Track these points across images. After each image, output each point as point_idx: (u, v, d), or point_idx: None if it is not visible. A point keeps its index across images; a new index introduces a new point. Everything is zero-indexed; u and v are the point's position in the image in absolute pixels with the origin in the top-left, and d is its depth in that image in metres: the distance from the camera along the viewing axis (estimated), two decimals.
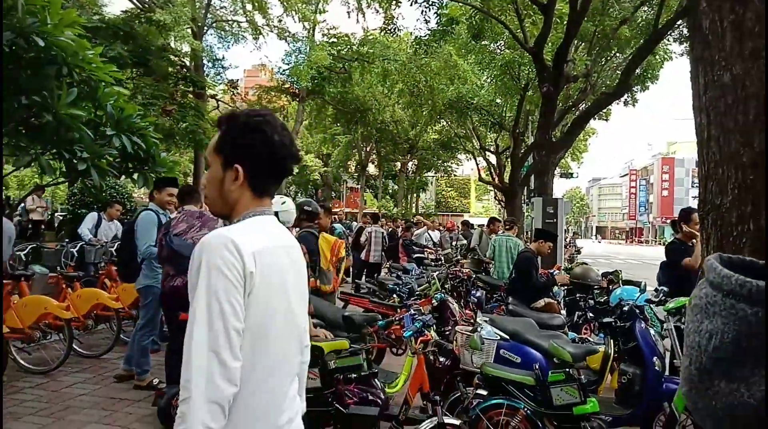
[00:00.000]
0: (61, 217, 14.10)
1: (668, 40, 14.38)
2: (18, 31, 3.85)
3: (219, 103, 21.18)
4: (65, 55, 4.23)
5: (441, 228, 15.46)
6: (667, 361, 4.01)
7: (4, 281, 5.55)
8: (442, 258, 11.83)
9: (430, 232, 13.51)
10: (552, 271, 7.20)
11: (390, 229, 13.11)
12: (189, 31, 15.71)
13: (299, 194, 39.61)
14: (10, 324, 5.16)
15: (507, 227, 9.15)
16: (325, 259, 4.89)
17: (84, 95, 4.64)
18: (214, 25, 19.60)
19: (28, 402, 4.56)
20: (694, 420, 3.27)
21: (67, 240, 9.42)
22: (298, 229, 4.96)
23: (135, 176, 5.29)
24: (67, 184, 7.97)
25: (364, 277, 12.08)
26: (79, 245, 8.05)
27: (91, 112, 4.80)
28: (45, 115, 4.16)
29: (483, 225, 11.92)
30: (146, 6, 14.89)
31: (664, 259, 5.14)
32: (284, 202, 3.63)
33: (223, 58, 27.75)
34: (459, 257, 10.84)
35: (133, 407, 4.53)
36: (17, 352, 5.43)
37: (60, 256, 8.08)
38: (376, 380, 3.56)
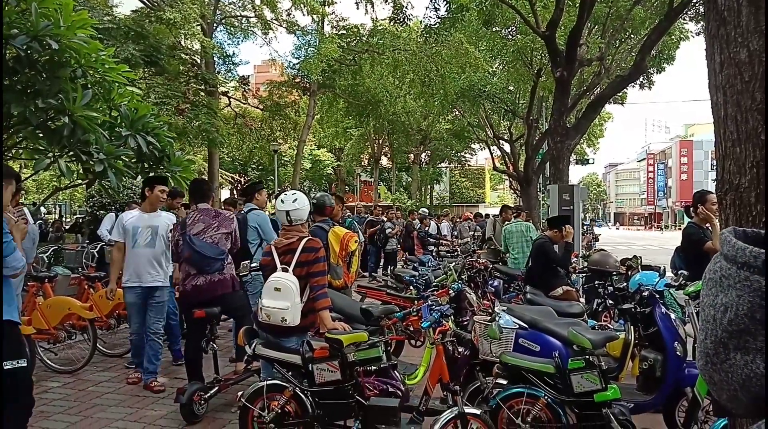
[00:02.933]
0: (80, 219, 14.35)
1: (684, 19, 14.12)
2: (32, 35, 3.91)
3: (231, 100, 21.31)
4: (79, 57, 4.29)
5: (458, 219, 15.44)
6: (689, 346, 3.97)
7: (30, 283, 5.68)
8: (458, 249, 11.82)
9: (438, 224, 13.54)
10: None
11: (405, 222, 13.13)
12: (199, 28, 15.80)
13: (313, 189, 39.76)
14: (37, 325, 5.29)
15: (514, 215, 9.13)
16: (333, 253, 4.90)
17: (98, 97, 4.70)
18: (223, 21, 19.67)
19: (56, 401, 4.68)
20: (712, 398, 3.24)
21: (87, 241, 9.59)
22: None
23: (151, 176, 5.36)
24: (84, 186, 8.11)
25: (380, 270, 12.14)
26: (99, 246, 8.18)
27: (105, 113, 4.87)
28: (61, 117, 4.23)
29: (497, 214, 11.88)
30: (155, 5, 15.00)
31: (680, 244, 5.07)
32: (296, 200, 3.60)
33: (234, 54, 27.87)
34: (475, 247, 10.82)
35: (158, 404, 4.62)
36: (44, 352, 5.56)
37: (81, 257, 8.24)
38: (395, 372, 3.59)
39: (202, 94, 16.69)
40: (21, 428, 2.95)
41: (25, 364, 2.92)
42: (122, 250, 5.00)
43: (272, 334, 3.47)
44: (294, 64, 22.08)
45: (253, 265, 5.21)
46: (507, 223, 9.02)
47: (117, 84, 4.79)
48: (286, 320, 3.32)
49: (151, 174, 5.27)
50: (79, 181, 5.92)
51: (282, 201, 3.60)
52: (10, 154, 5.73)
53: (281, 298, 3.34)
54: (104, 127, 4.70)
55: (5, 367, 2.76)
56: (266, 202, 6.21)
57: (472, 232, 12.74)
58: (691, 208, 4.91)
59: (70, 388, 5.00)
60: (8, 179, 3.02)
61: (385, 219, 13.60)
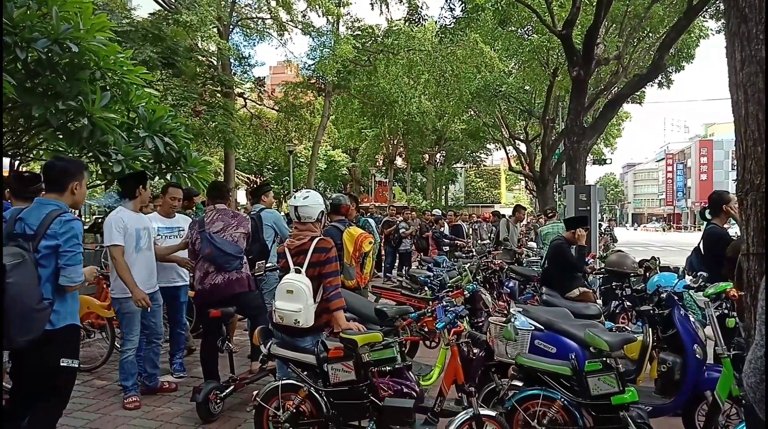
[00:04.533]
0: (99, 220, 14.57)
1: (704, 16, 13.91)
2: (53, 38, 3.98)
3: (246, 101, 21.47)
4: (98, 60, 4.36)
5: (473, 218, 15.36)
6: (710, 349, 3.90)
7: None
8: (473, 250, 11.77)
9: (450, 225, 13.48)
10: (587, 259, 7.09)
11: (420, 223, 13.10)
12: (215, 30, 15.95)
13: (328, 190, 39.90)
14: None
15: (549, 215, 9.06)
16: (347, 254, 4.90)
17: (117, 98, 4.77)
18: (239, 23, 19.84)
19: (75, 398, 4.74)
20: (743, 408, 3.19)
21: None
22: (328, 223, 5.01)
23: (168, 177, 5.42)
24: (103, 186, 8.22)
25: (395, 271, 12.13)
26: None
27: (123, 114, 4.94)
28: (81, 119, 4.30)
29: (510, 215, 11.84)
30: (173, 7, 15.17)
31: (697, 245, 4.98)
32: (306, 197, 3.61)
33: (249, 56, 28.14)
34: (491, 248, 10.77)
35: (174, 403, 4.67)
36: None
37: (99, 256, 8.35)
38: (410, 372, 3.58)
39: (219, 95, 16.84)
40: (53, 421, 3.05)
41: (77, 366, 3.07)
42: (124, 254, 4.43)
43: (287, 334, 3.49)
44: (309, 65, 22.21)
45: (268, 265, 5.24)
46: (519, 223, 8.98)
47: (135, 86, 4.86)
48: (299, 322, 3.33)
49: (168, 175, 5.33)
50: (98, 182, 5.98)
51: (294, 197, 3.62)
52: (31, 155, 5.85)
53: (294, 300, 3.34)
54: (122, 129, 4.77)
55: (62, 364, 2.93)
56: (272, 204, 6.22)
57: (490, 234, 12.69)
58: (707, 211, 4.82)
59: (89, 386, 5.07)
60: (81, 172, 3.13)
61: (400, 219, 13.58)
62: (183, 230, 5.18)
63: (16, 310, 2.66)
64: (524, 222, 14.15)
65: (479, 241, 13.06)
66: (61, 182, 3.03)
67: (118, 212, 4.51)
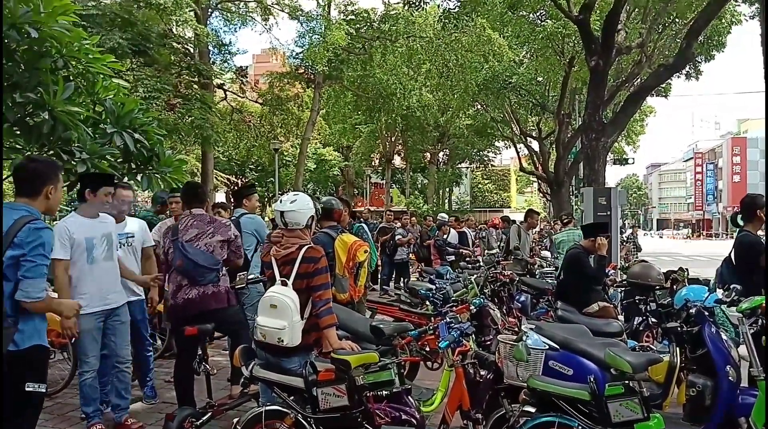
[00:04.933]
0: None
1: (736, 0, 14.01)
2: (10, 23, 3.98)
3: (227, 93, 21.49)
4: (60, 47, 4.35)
5: (485, 226, 15.37)
6: (744, 370, 3.91)
7: None
8: (480, 259, 11.78)
9: (458, 231, 13.47)
10: (607, 270, 7.10)
11: (420, 229, 13.12)
12: (192, 14, 15.99)
13: (318, 192, 39.89)
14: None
15: (565, 221, 9.07)
16: (339, 264, 4.89)
17: (81, 90, 4.77)
18: (219, 6, 19.89)
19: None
20: None
21: None
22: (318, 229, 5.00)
23: (139, 178, 5.41)
24: (66, 188, 8.19)
25: (392, 283, 12.12)
26: None
27: (89, 108, 4.93)
28: (40, 113, 4.28)
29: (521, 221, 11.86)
30: None
31: (728, 254, 4.99)
32: (294, 201, 3.57)
33: (230, 43, 28.22)
34: (500, 258, 10.79)
35: None
36: None
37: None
38: (409, 397, 3.58)
39: (196, 86, 16.85)
40: None
41: (44, 390, 3.07)
42: (68, 270, 4.27)
43: (271, 354, 3.48)
44: (297, 54, 22.25)
45: (250, 276, 5.23)
46: (532, 229, 8.99)
47: (102, 76, 4.85)
48: (283, 341, 3.30)
49: (139, 176, 5.31)
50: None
51: (280, 201, 3.60)
52: None
53: (278, 316, 3.33)
54: (87, 124, 4.76)
55: (27, 389, 2.93)
56: (256, 209, 6.22)
57: (499, 242, 12.72)
58: (740, 216, 4.84)
59: (48, 413, 5.03)
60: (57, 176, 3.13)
61: (398, 225, 13.57)
62: (132, 237, 5.05)
63: None
64: (537, 229, 14.17)
65: (487, 250, 13.08)
66: (34, 186, 3.04)
67: (66, 220, 4.42)
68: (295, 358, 3.47)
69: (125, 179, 5.31)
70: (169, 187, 5.70)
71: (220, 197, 33.36)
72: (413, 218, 14.18)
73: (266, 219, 13.32)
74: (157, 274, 5.00)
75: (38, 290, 2.92)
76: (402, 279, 11.92)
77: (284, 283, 3.43)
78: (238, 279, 5.04)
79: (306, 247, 3.48)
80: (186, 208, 4.84)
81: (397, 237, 12.00)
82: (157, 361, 6.30)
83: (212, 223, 4.64)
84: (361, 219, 12.17)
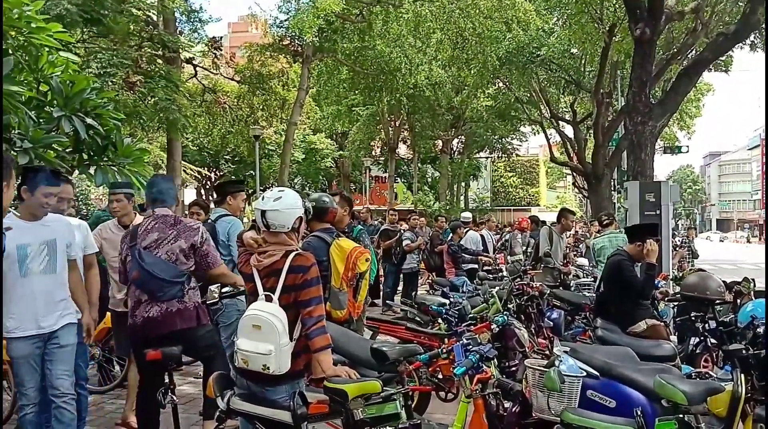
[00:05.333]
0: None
1: None
2: None
3: (197, 69, 21.49)
4: None
5: (508, 228, 15.33)
6: None
7: None
8: (503, 268, 11.77)
9: (480, 233, 13.46)
10: (657, 282, 7.10)
11: (430, 232, 13.11)
12: None
13: (307, 187, 39.90)
14: None
15: (605, 223, 9.05)
16: (336, 275, 4.88)
17: (22, 66, 4.77)
18: None
19: None
20: None
21: None
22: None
23: (92, 171, 5.42)
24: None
25: (397, 298, 12.12)
26: None
27: (32, 87, 4.94)
28: None
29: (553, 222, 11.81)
30: None
31: None
32: (278, 198, 3.53)
33: (201, 9, 28.22)
34: (527, 266, 10.79)
35: None
36: None
37: None
38: None
39: (160, 61, 16.86)
40: None
41: None
42: None
43: (254, 382, 3.48)
44: (281, 22, 22.26)
45: (225, 290, 5.24)
46: (566, 232, 8.96)
47: (47, 49, 4.86)
48: (268, 368, 3.30)
49: (93, 168, 5.31)
50: None
51: (262, 198, 3.57)
52: None
53: (262, 338, 3.30)
54: (30, 106, 4.77)
55: None
56: (242, 209, 6.20)
57: (524, 247, 12.68)
58: None
59: None
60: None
61: (405, 227, 13.52)
62: (53, 242, 4.49)
63: None
64: (572, 231, 14.16)
65: (510, 257, 13.06)
66: None
67: None
68: (282, 386, 3.46)
69: (76, 173, 5.32)
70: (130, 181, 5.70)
71: (189, 194, 33.42)
72: (422, 219, 14.11)
73: (245, 221, 13.32)
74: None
75: None
76: (410, 291, 11.89)
77: (269, 299, 3.41)
78: (209, 293, 5.04)
79: (294, 253, 3.47)
80: (150, 206, 4.85)
81: (404, 242, 11.98)
82: (116, 391, 6.32)
83: (175, 226, 4.62)
84: (360, 220, 12.18)
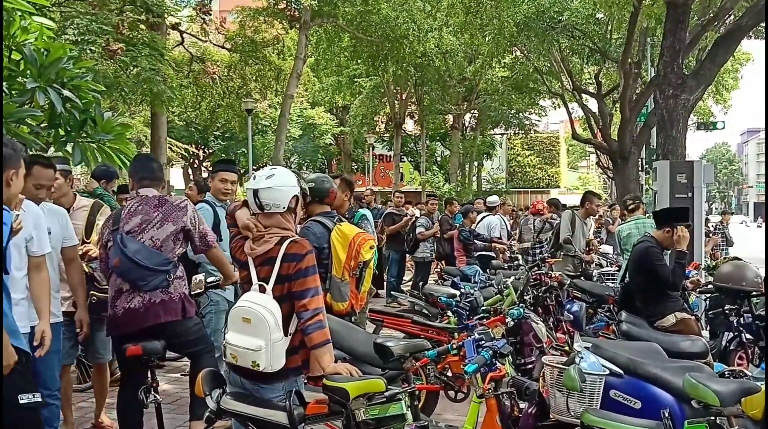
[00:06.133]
0: None
1: None
2: None
3: (184, 36, 21.42)
4: None
5: (523, 211, 15.24)
6: None
7: None
8: (519, 256, 11.75)
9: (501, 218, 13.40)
10: (688, 271, 7.10)
11: (440, 217, 13.08)
12: None
13: (305, 167, 39.87)
14: None
15: (630, 208, 9.01)
16: (338, 263, 4.89)
17: None
18: None
19: None
20: None
21: None
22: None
23: (69, 148, 5.42)
24: None
25: (405, 288, 12.14)
26: None
27: (3, 56, 4.92)
28: None
29: (574, 206, 11.72)
30: None
31: None
32: (271, 175, 3.53)
33: None
34: (545, 255, 10.80)
35: None
36: None
37: None
38: None
39: (143, 27, 16.80)
40: None
41: (40, 399, 3.40)
42: None
43: (248, 379, 3.49)
44: None
45: (210, 279, 5.25)
46: (589, 217, 8.93)
47: (19, 13, 4.84)
48: (258, 365, 3.30)
49: (70, 145, 5.31)
50: None
51: (254, 178, 3.57)
52: None
53: (252, 333, 3.30)
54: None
55: (21, 401, 3.27)
56: (222, 191, 6.11)
57: (535, 233, 12.59)
58: None
59: None
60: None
61: (415, 212, 13.48)
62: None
63: None
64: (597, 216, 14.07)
65: (518, 243, 12.99)
66: None
67: None
68: (279, 384, 3.47)
69: (51, 150, 5.31)
70: (110, 160, 5.69)
71: (175, 174, 33.45)
72: (434, 202, 13.94)
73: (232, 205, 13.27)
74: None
75: None
76: (419, 282, 11.87)
77: (262, 290, 3.42)
78: (193, 283, 5.05)
79: (289, 241, 3.46)
80: (135, 187, 4.85)
81: (418, 229, 11.92)
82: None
83: (160, 207, 4.63)
84: (364, 203, 12.18)
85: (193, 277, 5.09)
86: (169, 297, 4.51)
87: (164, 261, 4.51)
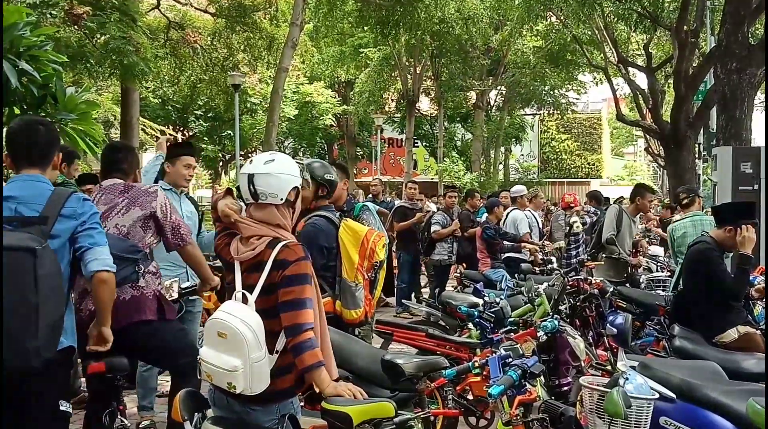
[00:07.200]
0: None
1: None
2: None
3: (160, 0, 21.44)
4: None
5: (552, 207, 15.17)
6: None
7: None
8: (554, 259, 11.72)
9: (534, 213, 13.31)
10: (753, 277, 7.06)
11: (460, 212, 13.05)
12: None
13: (302, 152, 39.88)
14: None
15: (684, 202, 8.94)
16: (349, 265, 4.89)
17: None
18: None
19: None
20: None
21: None
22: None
23: None
24: None
25: (421, 295, 12.12)
26: None
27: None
28: None
29: (621, 198, 11.66)
30: None
31: None
32: (271, 161, 3.52)
33: None
34: (585, 256, 10.76)
35: None
36: None
37: None
38: None
39: None
40: None
41: (70, 411, 3.73)
42: None
43: (237, 401, 3.49)
44: None
45: (185, 285, 5.26)
46: (639, 214, 8.89)
47: None
48: (235, 387, 3.28)
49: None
50: None
51: (250, 162, 3.55)
52: None
53: (228, 350, 3.28)
54: None
55: (61, 408, 3.62)
56: (185, 177, 6.09)
57: (567, 228, 12.51)
58: None
59: None
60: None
61: (431, 206, 13.42)
62: None
63: (48, 314, 3.37)
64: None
65: (552, 245, 12.89)
66: (49, 153, 3.86)
67: None
68: (274, 406, 3.47)
69: (4, 130, 5.32)
70: (74, 144, 5.71)
71: (149, 160, 33.48)
72: (453, 195, 13.84)
73: (220, 191, 13.29)
74: None
75: (111, 259, 3.78)
76: (436, 288, 11.85)
77: (244, 300, 3.40)
78: (167, 287, 5.05)
79: (281, 244, 3.43)
80: (103, 177, 4.89)
81: (433, 227, 11.88)
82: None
83: (126, 193, 4.69)
84: (372, 195, 12.15)
85: (165, 282, 5.08)
86: (140, 293, 4.53)
87: (131, 247, 4.53)
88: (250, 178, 3.45)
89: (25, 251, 3.32)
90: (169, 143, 6.63)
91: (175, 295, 5.12)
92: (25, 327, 3.30)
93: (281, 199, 3.48)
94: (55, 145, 3.93)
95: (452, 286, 11.85)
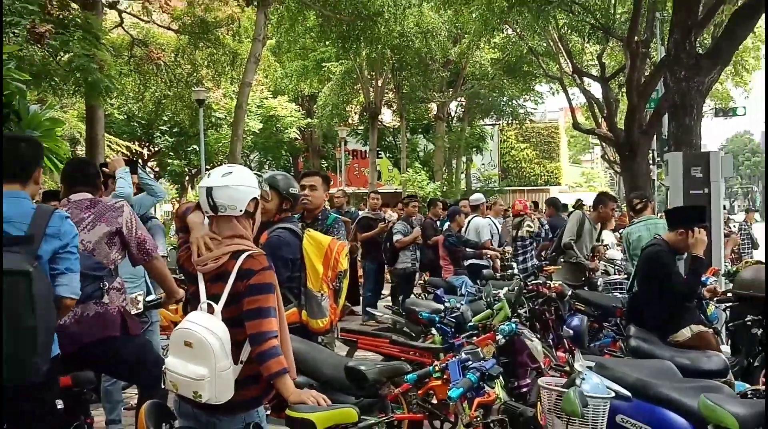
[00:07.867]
0: None
1: None
2: None
3: (123, 16, 21.29)
4: None
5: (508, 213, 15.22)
6: None
7: None
8: (514, 264, 11.77)
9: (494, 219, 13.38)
10: (705, 278, 7.15)
11: (423, 221, 13.07)
12: None
13: (266, 165, 39.70)
14: None
15: (638, 208, 9.02)
16: (314, 275, 4.89)
17: None
18: None
19: None
20: None
21: None
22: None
23: None
24: None
25: (380, 303, 12.13)
26: None
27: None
28: None
29: (578, 201, 11.73)
30: None
31: None
32: (228, 173, 3.52)
33: None
34: (543, 262, 10.83)
35: None
36: None
37: None
38: None
39: (75, 6, 16.69)
40: None
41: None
42: None
43: (203, 410, 3.47)
44: None
45: (149, 298, 5.23)
46: (602, 222, 8.96)
47: None
48: (200, 396, 3.27)
49: None
50: None
51: (208, 175, 3.55)
52: None
53: (194, 359, 3.27)
54: None
55: (58, 407, 4.02)
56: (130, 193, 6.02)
57: (515, 231, 12.56)
58: None
59: None
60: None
61: (392, 215, 13.43)
62: None
63: (44, 331, 3.54)
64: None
65: (503, 249, 12.90)
66: (29, 169, 3.91)
67: None
68: (239, 416, 3.46)
69: None
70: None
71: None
72: (415, 204, 13.82)
73: (186, 205, 13.19)
74: None
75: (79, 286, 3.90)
76: (400, 296, 11.83)
77: (210, 310, 3.39)
78: (131, 301, 5.02)
79: (245, 255, 3.43)
80: (66, 193, 4.85)
81: (394, 236, 11.89)
82: None
83: (92, 208, 4.67)
84: (335, 206, 12.14)
85: (130, 295, 5.05)
86: (104, 309, 4.50)
87: (96, 265, 4.51)
88: (209, 191, 3.45)
89: (20, 275, 3.44)
90: (125, 159, 6.58)
91: (141, 308, 5.10)
92: (25, 347, 3.48)
93: (240, 211, 3.48)
94: (37, 161, 4.01)
95: (415, 293, 11.86)
